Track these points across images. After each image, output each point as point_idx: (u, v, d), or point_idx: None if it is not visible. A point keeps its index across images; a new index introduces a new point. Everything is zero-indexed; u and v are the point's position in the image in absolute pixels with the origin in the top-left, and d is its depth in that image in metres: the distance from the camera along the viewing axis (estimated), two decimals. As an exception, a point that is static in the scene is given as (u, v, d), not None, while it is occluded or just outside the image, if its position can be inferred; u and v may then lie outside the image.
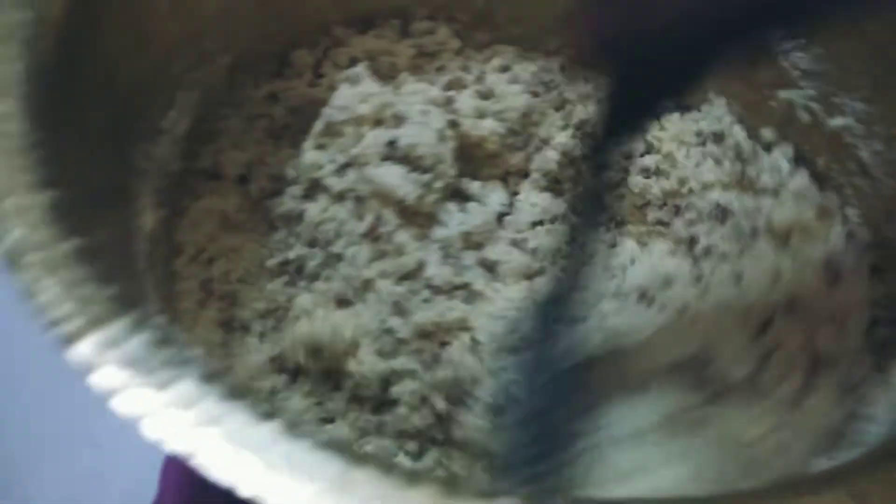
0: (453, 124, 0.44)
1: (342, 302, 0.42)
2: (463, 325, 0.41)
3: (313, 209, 0.43)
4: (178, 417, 0.21)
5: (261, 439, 0.21)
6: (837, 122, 0.43)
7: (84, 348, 0.22)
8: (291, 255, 0.43)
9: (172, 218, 0.42)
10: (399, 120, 0.42)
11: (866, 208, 0.43)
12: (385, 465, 0.20)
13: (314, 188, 0.44)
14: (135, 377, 0.21)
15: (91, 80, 0.33)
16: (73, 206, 0.26)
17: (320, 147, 0.44)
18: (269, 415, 0.21)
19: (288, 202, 0.44)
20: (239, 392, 0.22)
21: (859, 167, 0.43)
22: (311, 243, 0.43)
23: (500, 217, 0.45)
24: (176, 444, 0.21)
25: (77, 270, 0.23)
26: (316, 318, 0.41)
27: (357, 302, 0.42)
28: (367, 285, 0.42)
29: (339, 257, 0.42)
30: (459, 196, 0.45)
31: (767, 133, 0.48)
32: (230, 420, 0.21)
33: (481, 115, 0.45)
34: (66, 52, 0.31)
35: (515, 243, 0.45)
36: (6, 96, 0.27)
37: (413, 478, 0.20)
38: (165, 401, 0.21)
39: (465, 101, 0.46)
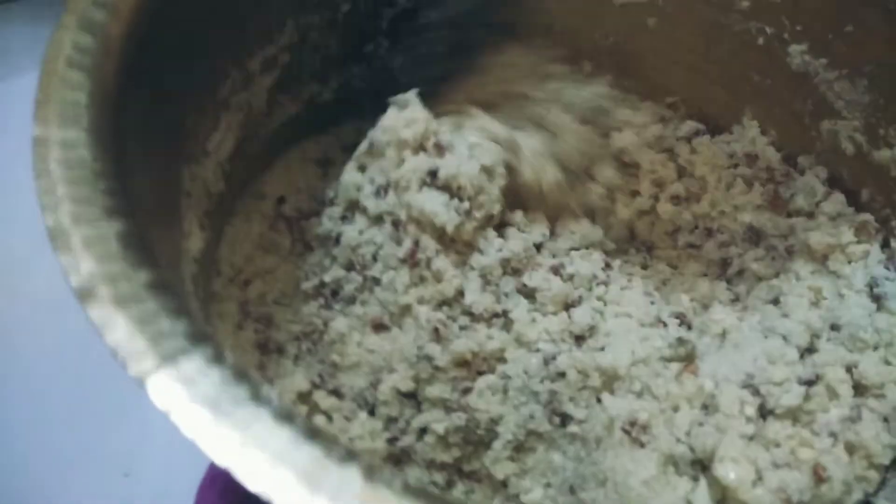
0: (509, 166, 0.44)
1: (379, 327, 0.42)
2: (499, 357, 0.41)
3: (350, 231, 0.43)
4: (255, 458, 0.21)
5: (339, 481, 0.21)
6: (884, 154, 0.43)
7: (159, 386, 0.22)
8: (327, 277, 0.43)
9: (213, 239, 0.42)
10: (440, 150, 0.42)
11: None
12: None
13: (352, 209, 0.44)
14: (211, 416, 0.21)
15: (146, 103, 0.33)
16: (138, 234, 0.26)
17: (361, 168, 0.44)
18: (349, 456, 0.21)
19: (326, 223, 0.44)
20: (313, 431, 0.21)
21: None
22: (348, 266, 0.43)
23: (539, 245, 0.45)
24: (250, 482, 0.21)
25: (148, 304, 0.23)
26: (351, 343, 0.41)
27: (394, 327, 0.41)
28: (405, 311, 0.41)
29: (376, 281, 0.42)
30: (500, 224, 0.44)
31: (803, 158, 0.48)
32: (304, 459, 0.21)
33: (543, 158, 0.45)
34: (126, 75, 0.31)
35: (554, 270, 0.44)
36: (73, 125, 0.27)
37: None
38: (243, 440, 0.21)
39: (527, 141, 0.45)
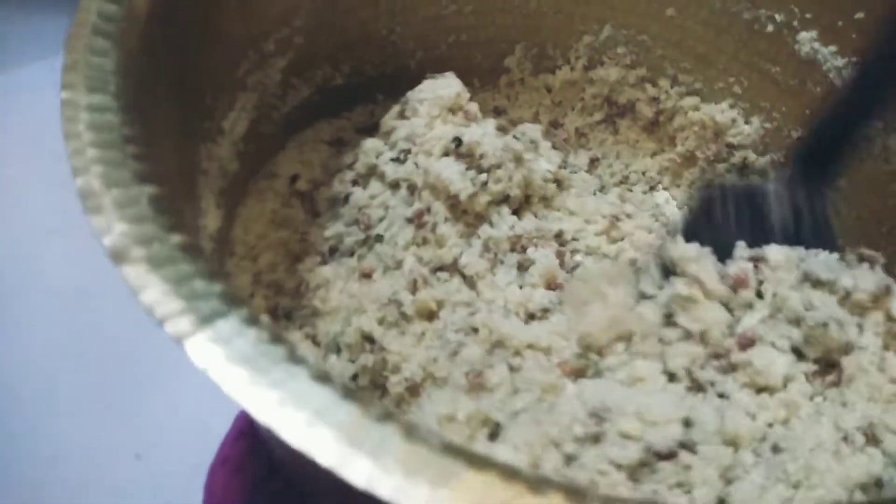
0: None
1: (366, 276, 0.42)
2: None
3: (360, 193, 0.44)
4: (295, 416, 0.21)
5: (378, 439, 0.20)
6: (891, 141, 0.43)
7: (197, 346, 0.21)
8: (328, 233, 0.43)
9: (227, 219, 0.41)
10: (469, 116, 0.42)
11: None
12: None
13: (368, 175, 0.44)
14: (249, 375, 0.21)
15: (167, 78, 0.33)
16: (169, 199, 0.26)
17: (386, 134, 0.44)
18: (386, 416, 0.21)
19: (336, 186, 0.45)
20: (350, 392, 0.21)
21: None
22: (351, 223, 0.43)
23: (560, 233, 0.45)
24: (292, 439, 0.20)
25: (183, 267, 0.23)
26: (334, 289, 0.41)
27: (381, 278, 0.42)
28: (398, 265, 0.41)
29: (379, 238, 0.42)
30: (518, 209, 0.44)
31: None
32: (342, 417, 0.21)
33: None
34: (149, 47, 0.31)
35: (559, 255, 0.44)
36: (101, 90, 0.27)
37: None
38: (281, 399, 0.21)
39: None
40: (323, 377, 0.21)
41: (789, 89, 0.49)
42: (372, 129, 0.47)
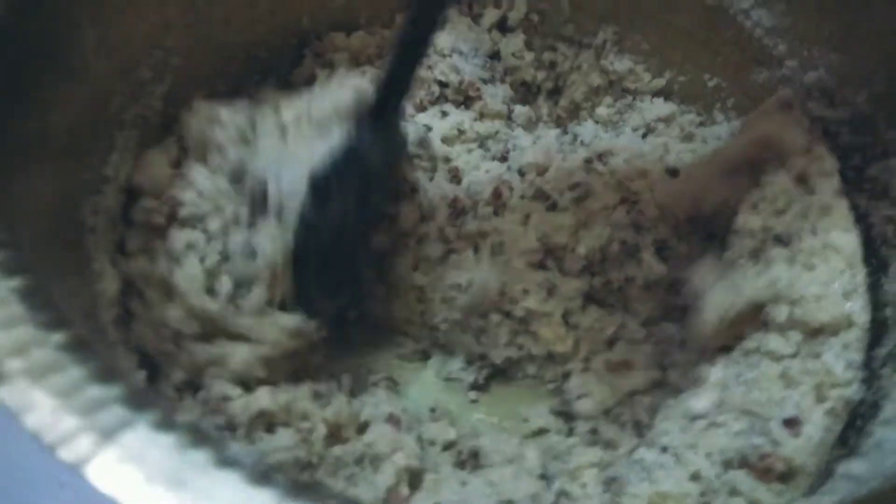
0: None
1: None
2: None
3: None
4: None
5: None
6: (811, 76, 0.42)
7: (102, 469, 0.18)
8: None
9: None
10: None
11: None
12: None
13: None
14: (173, 496, 0.18)
15: (28, 134, 0.29)
16: (42, 290, 0.22)
17: None
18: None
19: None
20: (297, 489, 0.18)
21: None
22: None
23: None
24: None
25: (72, 372, 0.20)
26: None
27: None
28: None
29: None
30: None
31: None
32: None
33: None
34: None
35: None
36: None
37: None
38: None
39: None
40: (262, 478, 0.18)
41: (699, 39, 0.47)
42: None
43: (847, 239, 0.36)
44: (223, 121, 0.38)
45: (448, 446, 0.39)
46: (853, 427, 0.33)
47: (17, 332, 0.20)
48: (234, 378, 0.36)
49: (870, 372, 0.35)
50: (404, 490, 0.37)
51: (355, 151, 0.38)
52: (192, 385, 0.36)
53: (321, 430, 0.36)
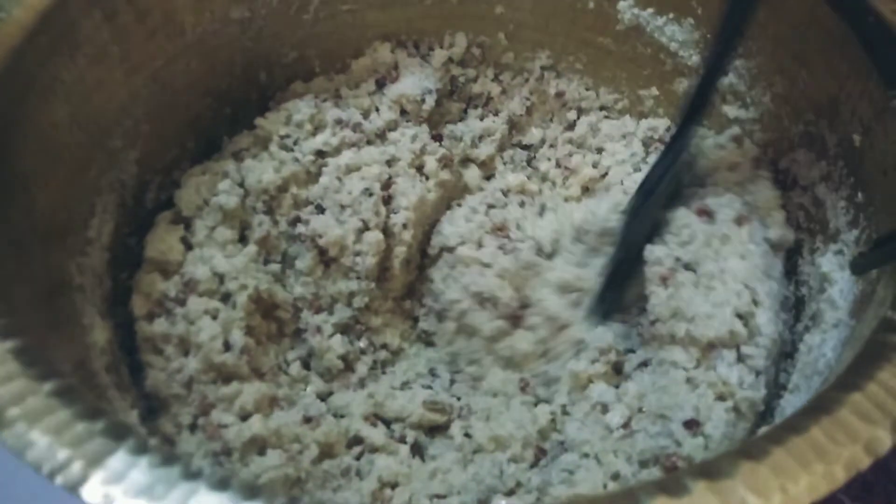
0: None
1: None
2: None
3: None
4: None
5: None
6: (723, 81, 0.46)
7: (91, 490, 0.22)
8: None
9: (118, 324, 0.41)
10: None
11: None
12: None
13: None
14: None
15: (17, 217, 0.33)
16: (34, 348, 0.26)
17: None
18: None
19: None
20: (253, 490, 0.22)
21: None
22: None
23: None
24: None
25: (60, 414, 0.24)
26: None
27: None
28: None
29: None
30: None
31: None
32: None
33: None
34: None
35: None
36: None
37: None
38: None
39: None
40: (221, 484, 0.22)
41: (623, 56, 0.51)
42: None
43: (742, 265, 0.40)
44: None
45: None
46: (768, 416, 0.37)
47: (14, 385, 0.24)
48: (239, 412, 0.40)
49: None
50: (388, 493, 0.41)
51: (685, 162, 0.42)
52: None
53: (313, 451, 0.40)
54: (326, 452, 0.41)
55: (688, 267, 0.41)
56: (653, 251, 0.41)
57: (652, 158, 0.51)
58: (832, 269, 0.38)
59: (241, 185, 0.46)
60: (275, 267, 0.46)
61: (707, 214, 0.42)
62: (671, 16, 0.48)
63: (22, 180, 0.34)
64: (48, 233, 0.36)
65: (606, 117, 0.54)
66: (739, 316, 0.38)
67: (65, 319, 0.34)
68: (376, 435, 0.42)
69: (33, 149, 0.35)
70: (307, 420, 0.42)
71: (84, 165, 0.40)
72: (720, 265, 0.40)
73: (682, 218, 0.42)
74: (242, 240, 0.45)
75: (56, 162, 0.37)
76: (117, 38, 0.40)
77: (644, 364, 0.41)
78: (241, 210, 0.45)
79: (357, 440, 0.42)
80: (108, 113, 0.41)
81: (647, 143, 0.52)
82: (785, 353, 0.40)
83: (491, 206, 0.49)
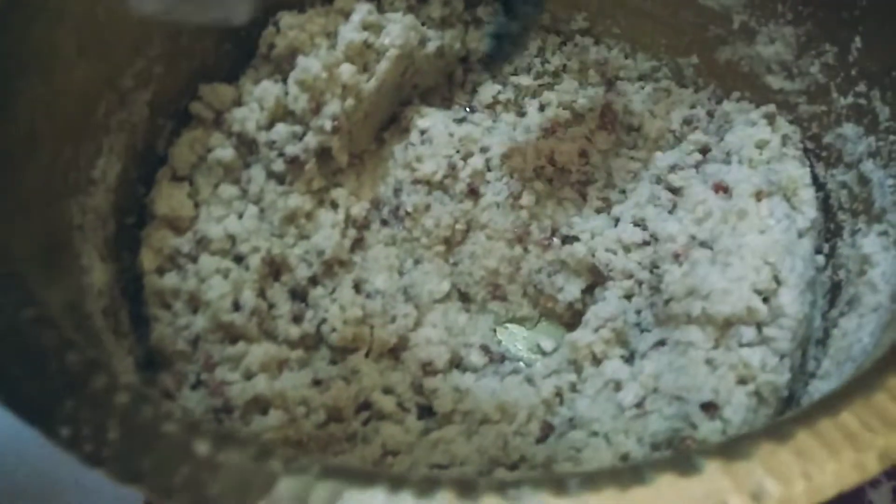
0: None
1: None
2: None
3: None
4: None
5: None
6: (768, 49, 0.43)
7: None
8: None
9: (121, 267, 0.40)
10: None
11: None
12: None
13: None
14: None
15: (13, 141, 0.31)
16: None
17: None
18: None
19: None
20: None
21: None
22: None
23: None
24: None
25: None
26: None
27: None
28: None
29: None
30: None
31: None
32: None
33: None
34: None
35: None
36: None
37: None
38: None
39: None
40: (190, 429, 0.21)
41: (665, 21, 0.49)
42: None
43: (761, 240, 0.37)
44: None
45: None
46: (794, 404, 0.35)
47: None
48: (244, 372, 0.39)
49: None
50: (389, 459, 0.39)
51: None
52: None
53: (321, 415, 0.39)
54: (334, 416, 0.40)
55: (703, 244, 0.38)
56: (665, 227, 0.39)
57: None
58: (875, 250, 0.36)
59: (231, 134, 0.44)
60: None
61: (724, 190, 0.40)
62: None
63: (27, 109, 0.33)
64: (51, 166, 0.35)
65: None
66: (759, 293, 0.36)
67: (59, 257, 0.33)
68: (386, 402, 0.41)
69: (38, 77, 0.34)
70: (317, 383, 0.41)
71: (92, 102, 0.38)
72: (737, 241, 0.37)
73: (698, 194, 0.40)
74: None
75: (62, 95, 0.36)
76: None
77: (661, 343, 0.38)
78: (238, 161, 0.44)
79: (366, 405, 0.41)
80: (120, 49, 0.40)
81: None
82: (816, 340, 0.38)
83: None
